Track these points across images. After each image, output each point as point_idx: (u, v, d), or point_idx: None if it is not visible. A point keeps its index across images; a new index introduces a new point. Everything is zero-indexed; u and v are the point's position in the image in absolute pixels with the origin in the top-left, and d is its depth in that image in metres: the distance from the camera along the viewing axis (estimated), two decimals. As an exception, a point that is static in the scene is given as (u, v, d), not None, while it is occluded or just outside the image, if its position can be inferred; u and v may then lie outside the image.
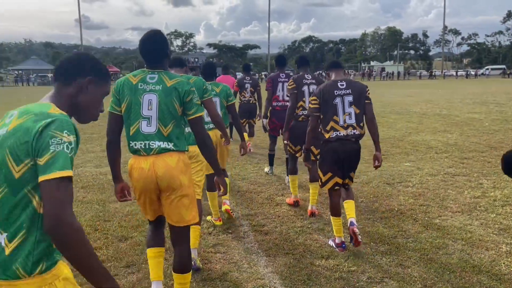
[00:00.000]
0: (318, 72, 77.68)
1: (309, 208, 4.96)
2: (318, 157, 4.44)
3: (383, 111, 16.33)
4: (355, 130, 3.91)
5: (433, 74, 71.89)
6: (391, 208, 5.11)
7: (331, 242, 4.09)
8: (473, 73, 72.66)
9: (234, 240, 4.26)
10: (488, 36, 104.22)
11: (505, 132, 10.66)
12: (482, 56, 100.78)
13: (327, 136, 3.93)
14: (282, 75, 6.12)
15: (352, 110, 3.94)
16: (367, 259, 3.79)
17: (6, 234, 1.42)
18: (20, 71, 73.33)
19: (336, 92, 3.91)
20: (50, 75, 70.13)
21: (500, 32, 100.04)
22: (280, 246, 4.10)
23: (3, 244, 1.42)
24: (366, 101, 4.00)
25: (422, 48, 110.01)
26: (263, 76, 52.46)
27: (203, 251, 4.01)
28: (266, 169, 7.07)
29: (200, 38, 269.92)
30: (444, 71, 78.50)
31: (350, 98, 3.93)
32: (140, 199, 2.81)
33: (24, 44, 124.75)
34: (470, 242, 4.11)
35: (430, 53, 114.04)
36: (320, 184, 4.14)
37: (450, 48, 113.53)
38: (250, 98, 8.32)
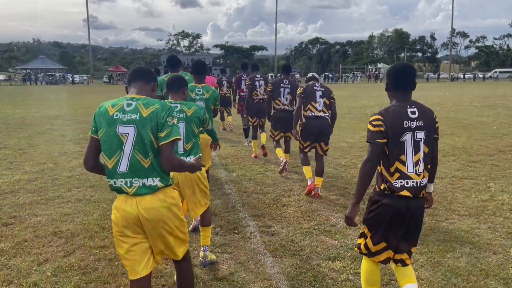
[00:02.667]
0: (324, 74, 77.57)
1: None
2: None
3: (390, 114, 16.26)
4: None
5: (440, 76, 71.37)
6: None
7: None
8: (481, 76, 72.19)
9: (240, 241, 4.27)
10: (496, 39, 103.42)
11: (513, 136, 10.58)
12: (490, 59, 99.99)
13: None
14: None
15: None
16: (374, 261, 3.78)
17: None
18: (28, 70, 73.83)
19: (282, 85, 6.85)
20: (58, 74, 70.62)
21: (509, 35, 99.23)
22: (286, 247, 4.10)
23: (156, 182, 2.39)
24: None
25: (429, 50, 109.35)
26: (269, 77, 52.56)
27: (210, 251, 4.02)
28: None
29: (207, 39, 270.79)
30: (451, 74, 78.04)
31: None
32: None
33: (32, 43, 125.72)
34: (478, 245, 4.09)
35: (438, 56, 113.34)
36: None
37: (458, 50, 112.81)
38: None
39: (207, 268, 3.67)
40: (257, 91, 8.18)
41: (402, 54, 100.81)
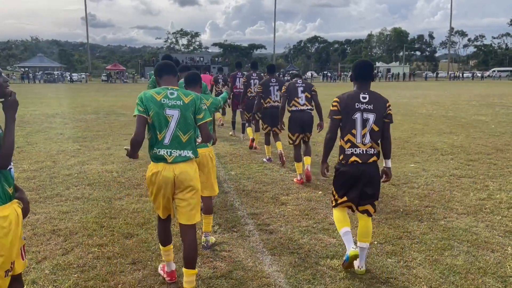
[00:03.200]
0: (323, 72, 77.53)
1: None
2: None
3: (389, 112, 16.29)
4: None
5: (438, 75, 71.45)
6: (396, 209, 5.11)
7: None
8: (479, 75, 72.29)
9: (239, 239, 4.28)
10: (495, 38, 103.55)
11: (511, 135, 10.61)
12: (489, 58, 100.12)
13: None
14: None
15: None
16: (372, 259, 3.79)
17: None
18: (26, 69, 73.61)
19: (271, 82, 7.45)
20: (56, 72, 70.39)
21: (507, 34, 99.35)
22: (285, 245, 4.11)
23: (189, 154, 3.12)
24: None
25: (428, 49, 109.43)
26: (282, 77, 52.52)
27: (208, 249, 4.02)
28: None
29: (205, 37, 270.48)
30: (450, 72, 78.13)
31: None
32: None
33: (30, 41, 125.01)
34: (476, 244, 4.10)
35: (436, 55, 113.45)
36: None
37: (457, 49, 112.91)
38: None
39: (205, 266, 3.67)
40: (251, 88, 8.99)
41: (401, 53, 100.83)
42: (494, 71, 77.36)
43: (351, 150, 3.49)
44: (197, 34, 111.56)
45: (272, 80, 7.62)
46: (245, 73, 10.16)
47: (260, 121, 8.24)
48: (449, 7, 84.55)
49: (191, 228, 3.21)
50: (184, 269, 3.19)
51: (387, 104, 3.55)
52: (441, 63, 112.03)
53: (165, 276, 3.43)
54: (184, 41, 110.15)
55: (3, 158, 2.14)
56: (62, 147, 9.23)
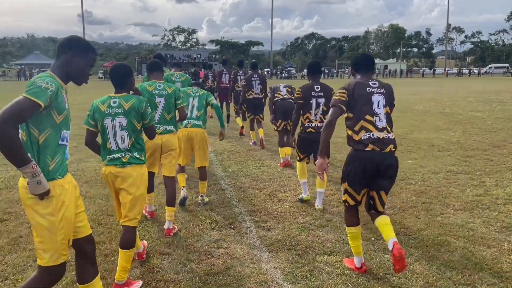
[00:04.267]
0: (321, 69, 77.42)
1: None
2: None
3: (386, 109, 16.30)
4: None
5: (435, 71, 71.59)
6: (393, 205, 5.12)
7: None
8: (476, 71, 72.39)
9: (236, 236, 4.28)
10: (491, 34, 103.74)
11: (508, 131, 10.64)
12: (486, 55, 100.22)
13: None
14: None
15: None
16: (369, 255, 3.80)
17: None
18: (22, 66, 73.28)
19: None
20: (52, 70, 69.98)
21: (504, 31, 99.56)
22: (282, 242, 4.12)
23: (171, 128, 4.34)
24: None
25: (425, 46, 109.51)
26: (265, 72, 52.54)
27: (205, 246, 4.03)
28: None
29: (202, 34, 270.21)
30: (447, 69, 78.21)
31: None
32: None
33: (27, 39, 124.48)
34: (472, 239, 4.12)
35: (433, 51, 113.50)
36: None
37: (454, 46, 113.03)
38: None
39: (203, 263, 3.67)
40: (252, 90, 9.07)
41: (398, 50, 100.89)
42: (490, 67, 77.49)
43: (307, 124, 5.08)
44: (194, 31, 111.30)
45: (254, 75, 9.01)
46: (237, 70, 11.08)
47: (246, 111, 9.72)
48: (446, 4, 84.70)
49: (171, 179, 4.45)
50: (166, 207, 4.37)
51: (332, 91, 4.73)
52: (438, 60, 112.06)
53: (147, 214, 4.76)
54: (181, 38, 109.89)
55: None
56: (59, 145, 9.19)
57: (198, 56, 73.65)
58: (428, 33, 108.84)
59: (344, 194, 3.51)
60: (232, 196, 5.59)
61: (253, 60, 13.08)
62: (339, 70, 74.66)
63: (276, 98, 7.23)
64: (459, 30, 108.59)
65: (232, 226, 4.53)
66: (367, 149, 3.31)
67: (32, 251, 3.89)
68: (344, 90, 3.47)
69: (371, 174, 3.35)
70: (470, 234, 4.25)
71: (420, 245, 4.01)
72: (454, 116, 13.93)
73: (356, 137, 3.39)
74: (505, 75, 65.53)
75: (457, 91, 27.54)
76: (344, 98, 3.42)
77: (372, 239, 4.15)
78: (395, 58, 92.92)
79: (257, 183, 6.19)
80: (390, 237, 3.22)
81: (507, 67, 74.77)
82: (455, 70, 77.75)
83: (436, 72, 77.00)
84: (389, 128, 3.43)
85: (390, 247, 3.15)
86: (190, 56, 73.43)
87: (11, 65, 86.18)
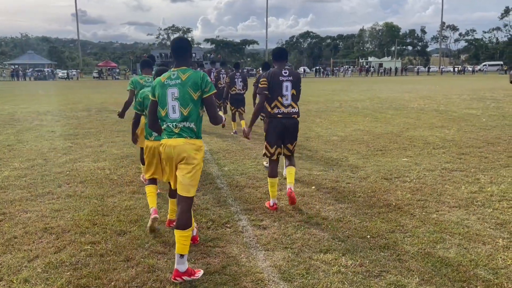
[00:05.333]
0: (315, 68, 77.50)
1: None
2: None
3: (381, 107, 16.35)
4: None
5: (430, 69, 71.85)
6: (388, 203, 5.13)
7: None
8: (470, 69, 72.74)
9: (232, 235, 4.27)
10: (485, 32, 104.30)
11: (502, 128, 10.70)
12: (480, 52, 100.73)
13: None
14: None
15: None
16: (365, 253, 3.81)
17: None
18: (16, 66, 72.80)
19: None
20: (46, 69, 69.70)
21: (498, 28, 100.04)
22: (278, 240, 4.12)
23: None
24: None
25: (419, 44, 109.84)
26: (260, 71, 52.59)
27: (202, 245, 4.02)
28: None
29: (197, 33, 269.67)
30: (441, 67, 78.52)
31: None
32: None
33: (20, 38, 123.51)
34: (467, 236, 4.13)
35: (428, 49, 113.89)
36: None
37: (448, 44, 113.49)
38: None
39: (199, 262, 3.66)
40: (221, 81, 11.77)
41: (393, 48, 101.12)
42: (485, 65, 77.91)
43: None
44: (189, 30, 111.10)
45: (237, 74, 10.58)
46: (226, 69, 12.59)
47: (228, 104, 11.08)
48: (440, 2, 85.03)
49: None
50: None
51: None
52: (432, 58, 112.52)
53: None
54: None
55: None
56: (54, 145, 9.15)
57: (193, 55, 73.47)
58: (423, 31, 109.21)
59: (264, 149, 5.16)
60: (228, 195, 5.58)
61: (236, 62, 13.95)
62: (334, 69, 74.68)
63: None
64: (453, 28, 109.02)
65: (228, 225, 4.53)
66: (278, 116, 4.95)
67: (27, 251, 3.87)
68: (265, 79, 4.93)
69: (281, 132, 4.98)
70: (465, 231, 4.26)
71: (415, 242, 4.02)
72: (449, 113, 13.99)
73: (272, 111, 4.97)
74: (499, 73, 65.84)
75: (452, 88, 27.66)
76: (266, 85, 4.92)
77: (368, 237, 4.16)
78: (390, 56, 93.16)
79: (253, 181, 6.19)
80: (289, 183, 5.04)
81: (501, 65, 75.22)
82: (450, 68, 78.02)
83: (430, 70, 77.28)
84: (293, 104, 5.03)
85: (287, 189, 4.97)
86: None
87: (5, 65, 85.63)
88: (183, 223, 3.38)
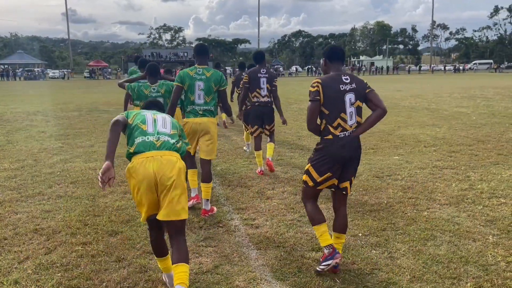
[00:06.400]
0: (308, 67, 77.61)
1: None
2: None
3: (373, 106, 16.42)
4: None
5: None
6: (380, 201, 5.16)
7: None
8: (460, 67, 73.34)
9: (225, 234, 4.27)
10: (475, 31, 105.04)
11: (492, 126, 10.81)
12: (470, 51, 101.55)
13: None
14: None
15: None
16: (356, 251, 3.83)
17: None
18: (6, 66, 72.02)
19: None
20: (37, 69, 69.08)
21: (488, 27, 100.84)
22: (270, 239, 4.12)
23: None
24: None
25: (411, 42, 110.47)
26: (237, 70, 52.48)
27: (194, 244, 4.01)
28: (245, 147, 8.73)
29: (189, 33, 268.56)
30: (432, 65, 79.06)
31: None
32: None
33: (10, 38, 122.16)
34: (458, 233, 4.17)
35: (419, 48, 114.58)
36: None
37: (439, 42, 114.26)
38: None
39: (191, 262, 3.65)
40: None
41: (384, 47, 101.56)
42: (475, 63, 78.61)
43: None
44: (180, 29, 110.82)
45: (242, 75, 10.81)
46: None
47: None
48: (431, 1, 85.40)
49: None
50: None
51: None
52: (424, 56, 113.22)
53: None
54: (167, 36, 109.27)
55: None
56: (44, 145, 9.08)
57: (185, 54, 73.28)
58: (414, 30, 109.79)
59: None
60: (220, 194, 5.58)
61: (240, 61, 14.05)
62: (326, 67, 74.68)
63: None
64: (444, 27, 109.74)
65: (221, 225, 4.52)
66: (256, 104, 6.48)
67: (18, 253, 3.83)
68: (246, 76, 6.43)
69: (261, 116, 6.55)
70: (455, 228, 4.30)
71: (407, 240, 4.04)
72: (440, 112, 14.10)
73: (252, 101, 6.45)
74: (489, 71, 66.45)
75: (443, 87, 27.87)
76: (246, 80, 6.44)
77: (360, 235, 4.18)
78: (381, 55, 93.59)
79: (245, 181, 6.19)
80: (268, 155, 6.51)
81: (491, 63, 75.94)
82: (441, 67, 78.60)
83: (422, 68, 77.79)
84: (268, 94, 6.42)
85: (265, 160, 6.43)
86: (177, 55, 73.04)
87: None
88: (208, 178, 4.79)
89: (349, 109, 3.33)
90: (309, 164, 3.43)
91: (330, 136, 3.31)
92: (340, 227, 3.48)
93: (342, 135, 3.31)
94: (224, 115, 10.76)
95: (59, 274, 3.46)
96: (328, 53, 3.53)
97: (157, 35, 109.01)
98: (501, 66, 71.51)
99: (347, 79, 3.40)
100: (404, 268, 3.49)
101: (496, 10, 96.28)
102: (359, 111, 3.41)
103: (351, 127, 3.35)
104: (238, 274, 3.45)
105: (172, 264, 2.84)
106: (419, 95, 21.28)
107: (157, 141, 2.89)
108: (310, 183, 3.40)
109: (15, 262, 3.67)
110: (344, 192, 3.47)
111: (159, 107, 3.50)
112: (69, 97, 24.60)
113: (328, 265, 3.28)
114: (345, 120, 3.31)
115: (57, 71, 72.67)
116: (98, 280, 3.35)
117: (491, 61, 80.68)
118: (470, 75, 56.14)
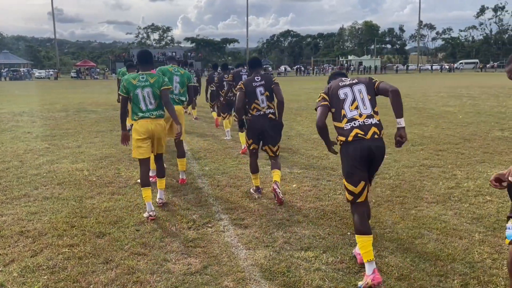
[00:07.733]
0: (297, 66, 77.85)
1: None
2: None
3: (361, 105, 16.53)
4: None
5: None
6: (368, 200, 5.18)
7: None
8: (447, 67, 74.21)
9: (214, 234, 4.26)
10: (462, 31, 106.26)
11: (477, 125, 10.94)
12: (456, 51, 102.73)
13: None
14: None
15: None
16: (345, 250, 3.84)
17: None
18: (-10, 66, 70.93)
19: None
20: (22, 69, 68.15)
21: (474, 27, 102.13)
22: (259, 239, 4.12)
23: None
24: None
25: (398, 42, 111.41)
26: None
27: (182, 245, 3.99)
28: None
29: (177, 32, 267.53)
30: (420, 65, 79.83)
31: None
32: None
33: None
34: (445, 231, 4.21)
35: (406, 48, 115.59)
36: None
37: (426, 42, 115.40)
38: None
39: (180, 263, 3.63)
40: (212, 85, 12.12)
41: (372, 46, 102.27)
42: (461, 63, 79.59)
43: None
44: (168, 29, 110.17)
45: (215, 73, 11.77)
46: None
47: (209, 101, 12.56)
48: (418, 1, 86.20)
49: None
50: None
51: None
52: (411, 56, 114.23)
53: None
54: (155, 36, 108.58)
55: None
56: (30, 146, 8.95)
57: (173, 54, 72.91)
58: (401, 29, 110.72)
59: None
60: (209, 194, 5.56)
61: (223, 62, 14.59)
62: (315, 67, 75.08)
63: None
64: (431, 26, 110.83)
65: (209, 225, 4.51)
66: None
67: (3, 255, 3.77)
68: (231, 75, 7.31)
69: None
70: (442, 226, 4.34)
71: (395, 238, 4.07)
72: (427, 111, 14.24)
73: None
74: (475, 71, 67.32)
75: (430, 86, 28.14)
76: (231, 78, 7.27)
77: (348, 233, 4.20)
78: (370, 55, 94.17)
79: (234, 181, 6.17)
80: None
81: (476, 63, 76.96)
82: (428, 66, 79.40)
83: (409, 68, 78.51)
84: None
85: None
86: (165, 54, 72.53)
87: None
88: (182, 155, 6.11)
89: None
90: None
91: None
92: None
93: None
94: (195, 111, 13.46)
95: (45, 277, 3.41)
96: None
97: (145, 35, 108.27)
98: (486, 65, 72.53)
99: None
100: (392, 266, 3.51)
101: (482, 10, 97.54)
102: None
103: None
104: (227, 274, 3.44)
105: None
106: (407, 94, 21.45)
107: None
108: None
109: (0, 265, 3.61)
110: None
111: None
112: (55, 97, 24.30)
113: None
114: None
115: (43, 71, 71.82)
116: (85, 282, 3.31)
117: (476, 60, 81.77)
118: (456, 74, 56.77)
